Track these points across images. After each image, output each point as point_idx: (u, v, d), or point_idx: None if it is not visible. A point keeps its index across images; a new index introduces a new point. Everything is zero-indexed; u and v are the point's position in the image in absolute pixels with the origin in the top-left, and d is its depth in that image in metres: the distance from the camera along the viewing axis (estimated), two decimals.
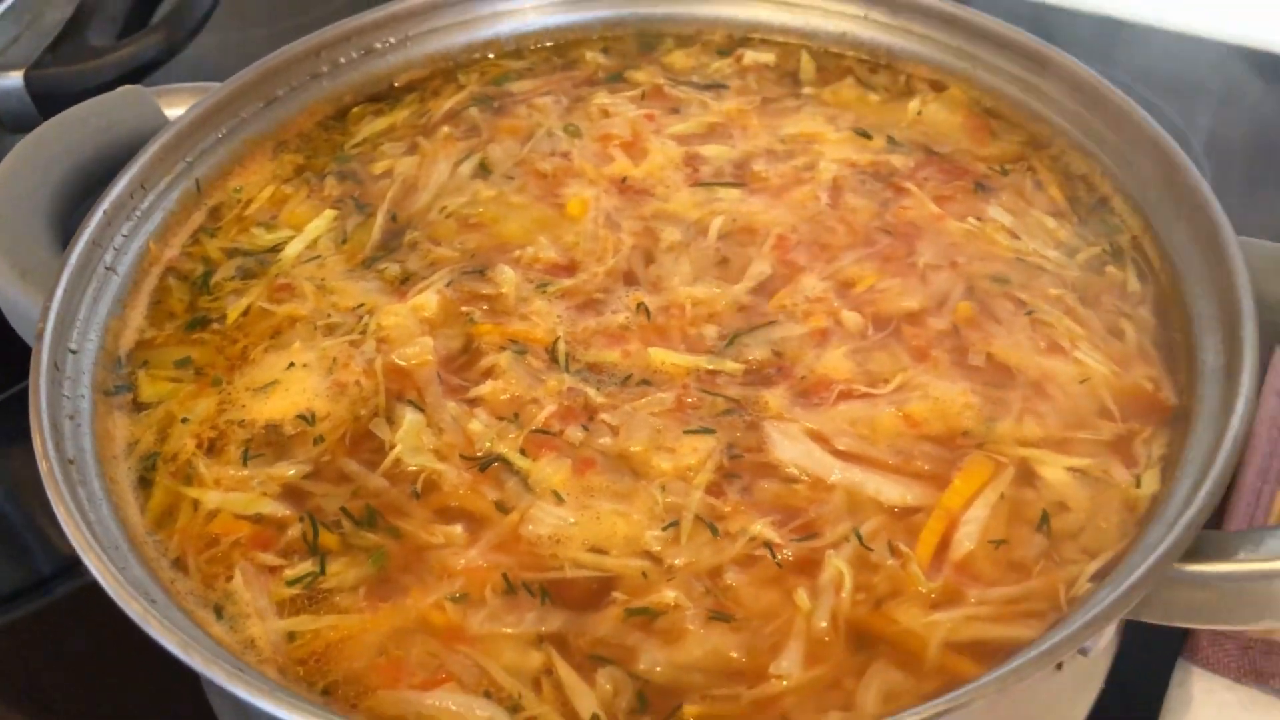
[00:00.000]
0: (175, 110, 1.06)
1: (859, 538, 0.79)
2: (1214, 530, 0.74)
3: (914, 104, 1.10)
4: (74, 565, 1.11)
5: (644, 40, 1.20)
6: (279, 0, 1.76)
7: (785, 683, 0.73)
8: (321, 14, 1.72)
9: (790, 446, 0.84)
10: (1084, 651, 0.71)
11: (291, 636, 0.76)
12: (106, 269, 0.95)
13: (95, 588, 1.08)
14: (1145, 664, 0.94)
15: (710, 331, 0.93)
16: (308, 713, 0.66)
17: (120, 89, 1.07)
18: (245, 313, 0.96)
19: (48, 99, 1.19)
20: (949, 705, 0.63)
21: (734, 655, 0.74)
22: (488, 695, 0.73)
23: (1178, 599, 0.73)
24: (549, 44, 1.20)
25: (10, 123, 1.20)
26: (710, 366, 0.90)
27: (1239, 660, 0.94)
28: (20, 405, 1.23)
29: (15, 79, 1.19)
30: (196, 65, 1.32)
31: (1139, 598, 0.68)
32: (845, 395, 0.87)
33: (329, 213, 1.04)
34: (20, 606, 1.10)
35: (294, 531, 0.82)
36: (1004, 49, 1.07)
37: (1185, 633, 0.97)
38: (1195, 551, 0.72)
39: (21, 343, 0.97)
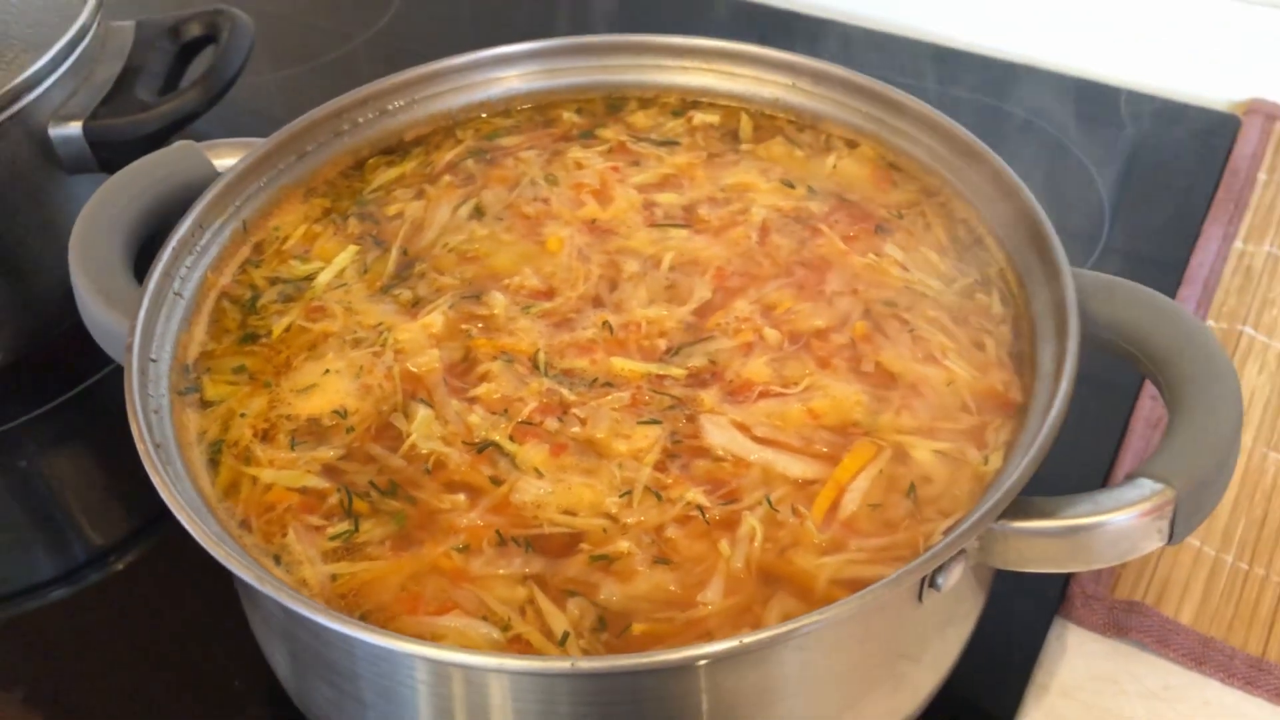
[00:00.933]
0: (222, 161, 1.16)
1: (769, 502, 0.88)
2: (1041, 496, 0.83)
3: (831, 159, 1.18)
4: (105, 555, 1.20)
5: (611, 103, 1.27)
6: (306, 43, 1.87)
7: (709, 608, 0.83)
8: (344, 51, 1.83)
9: (719, 434, 0.93)
10: (935, 586, 0.81)
11: (334, 578, 0.85)
12: (174, 294, 1.03)
13: (120, 578, 1.15)
14: (1025, 622, 1.06)
15: (660, 344, 1.00)
16: (353, 625, 0.76)
17: (177, 144, 1.17)
18: (287, 330, 1.03)
19: (102, 146, 1.33)
20: (819, 618, 0.74)
21: (672, 589, 0.84)
22: (485, 619, 0.82)
23: (1011, 549, 0.83)
24: (531, 105, 1.28)
25: (69, 165, 1.34)
26: (659, 372, 0.98)
27: (1105, 618, 1.06)
28: (63, 416, 1.32)
29: (75, 128, 1.33)
30: (239, 105, 1.43)
31: (966, 543, 0.79)
32: (764, 394, 0.95)
33: (352, 248, 1.11)
34: (45, 596, 1.15)
35: (333, 500, 0.90)
36: (901, 113, 1.16)
37: (1061, 595, 1.07)
38: (1026, 512, 0.82)
39: (66, 360, 1.08)
